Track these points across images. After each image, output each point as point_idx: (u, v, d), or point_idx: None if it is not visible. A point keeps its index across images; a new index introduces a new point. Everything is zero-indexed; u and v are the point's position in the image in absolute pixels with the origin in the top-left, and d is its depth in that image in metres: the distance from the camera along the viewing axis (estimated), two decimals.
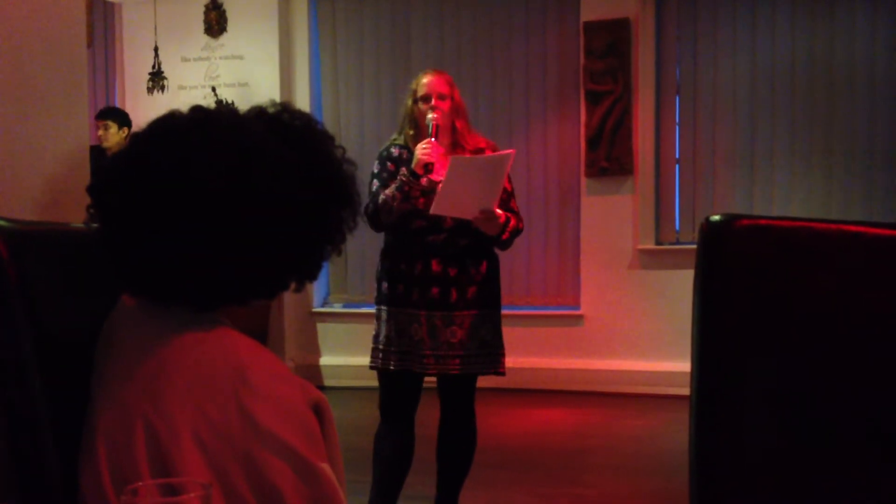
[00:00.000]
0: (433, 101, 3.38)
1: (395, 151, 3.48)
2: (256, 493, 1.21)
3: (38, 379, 1.31)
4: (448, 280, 3.35)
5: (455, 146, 3.44)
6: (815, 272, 1.34)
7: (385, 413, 3.50)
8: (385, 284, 3.44)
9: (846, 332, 1.33)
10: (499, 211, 3.30)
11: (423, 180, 3.30)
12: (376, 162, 3.50)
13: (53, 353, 1.33)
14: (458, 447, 3.57)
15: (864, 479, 1.33)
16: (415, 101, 3.44)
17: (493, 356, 3.43)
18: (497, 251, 3.51)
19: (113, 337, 1.34)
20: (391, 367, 3.39)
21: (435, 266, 3.35)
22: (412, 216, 3.35)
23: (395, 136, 3.56)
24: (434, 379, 3.49)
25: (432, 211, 3.24)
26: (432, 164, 3.28)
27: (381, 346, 3.42)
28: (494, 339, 3.44)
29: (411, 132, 3.45)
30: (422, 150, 3.29)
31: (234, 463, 1.21)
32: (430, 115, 3.35)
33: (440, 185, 3.22)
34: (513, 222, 3.38)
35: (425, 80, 3.44)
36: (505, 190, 3.40)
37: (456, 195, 3.22)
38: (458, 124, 3.45)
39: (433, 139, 3.31)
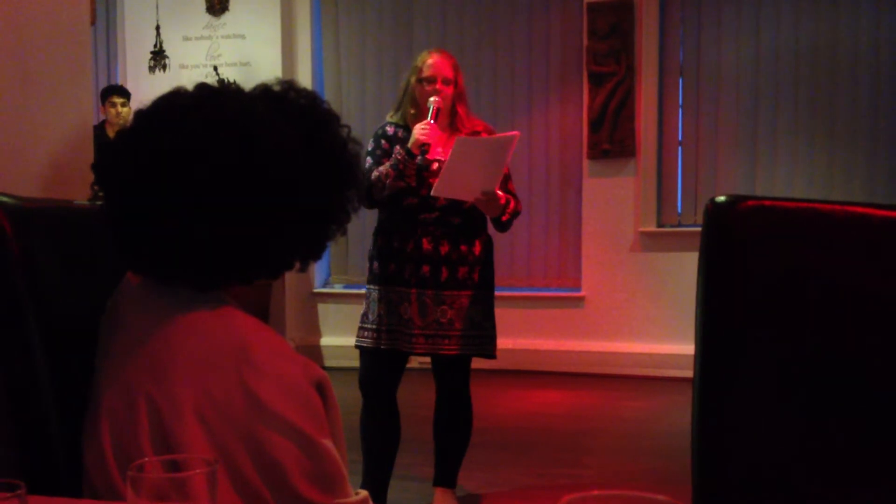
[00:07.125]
0: (437, 85, 3.37)
1: (389, 130, 3.48)
2: (260, 470, 1.22)
3: (41, 356, 1.31)
4: (439, 258, 3.35)
5: (452, 129, 3.43)
6: (820, 253, 1.34)
7: (366, 391, 3.51)
8: (376, 263, 3.45)
9: (851, 314, 1.32)
10: (500, 192, 3.30)
11: (419, 159, 3.30)
12: (371, 140, 3.49)
13: (57, 330, 1.34)
14: (454, 427, 3.58)
15: (867, 461, 1.33)
16: (419, 81, 3.42)
17: (483, 339, 3.43)
18: (491, 233, 3.51)
19: (117, 314, 1.34)
20: (381, 347, 3.39)
21: (426, 244, 3.36)
22: (404, 194, 3.35)
23: (391, 114, 3.55)
24: (429, 359, 3.50)
25: (434, 192, 3.25)
26: (429, 144, 3.29)
27: (371, 326, 3.42)
28: (485, 322, 3.43)
29: (412, 111, 3.43)
30: (420, 130, 3.29)
31: (237, 440, 1.22)
32: (432, 98, 3.35)
33: (443, 166, 3.22)
34: (512, 204, 3.38)
35: (431, 61, 3.41)
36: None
37: (459, 176, 3.21)
38: (460, 108, 3.45)
39: (432, 121, 3.30)
